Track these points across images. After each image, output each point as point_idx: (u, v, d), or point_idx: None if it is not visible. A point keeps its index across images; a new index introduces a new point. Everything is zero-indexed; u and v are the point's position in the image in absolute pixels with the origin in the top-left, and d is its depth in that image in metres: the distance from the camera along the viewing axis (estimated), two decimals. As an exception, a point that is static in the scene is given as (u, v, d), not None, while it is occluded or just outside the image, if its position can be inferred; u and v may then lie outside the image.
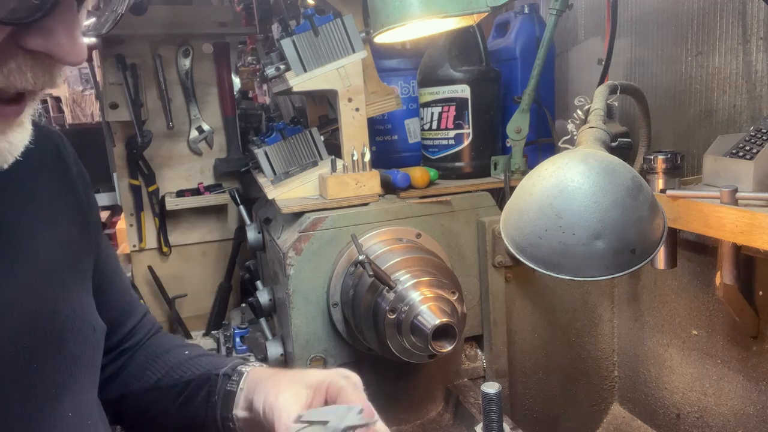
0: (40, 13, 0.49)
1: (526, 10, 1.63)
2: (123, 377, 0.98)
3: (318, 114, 1.94)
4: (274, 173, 1.49)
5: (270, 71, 1.42)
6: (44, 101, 7.06)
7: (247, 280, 2.08)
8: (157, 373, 0.96)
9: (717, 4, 1.22)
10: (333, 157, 1.45)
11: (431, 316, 1.11)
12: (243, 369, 0.88)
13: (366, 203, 1.36)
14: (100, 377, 0.97)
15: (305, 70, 1.39)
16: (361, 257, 1.14)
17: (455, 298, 1.18)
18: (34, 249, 0.76)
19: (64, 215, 0.83)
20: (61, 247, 0.80)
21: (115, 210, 3.15)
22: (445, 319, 1.10)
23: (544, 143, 1.63)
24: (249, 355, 0.82)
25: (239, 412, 0.86)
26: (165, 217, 2.41)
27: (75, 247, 0.83)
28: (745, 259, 1.10)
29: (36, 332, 0.72)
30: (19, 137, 0.59)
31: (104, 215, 3.51)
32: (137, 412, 0.99)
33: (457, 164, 1.52)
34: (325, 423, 0.66)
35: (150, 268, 2.42)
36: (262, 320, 1.71)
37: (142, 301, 1.19)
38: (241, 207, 1.94)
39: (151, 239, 2.43)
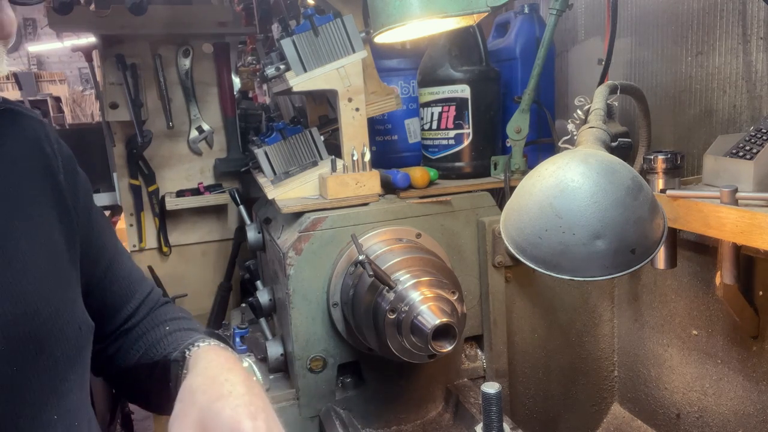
0: None
1: (526, 10, 1.63)
2: (118, 356, 0.98)
3: (318, 114, 1.94)
4: (274, 173, 1.49)
5: (270, 71, 1.42)
6: (44, 101, 7.07)
7: (247, 280, 2.08)
8: (140, 351, 0.94)
9: (717, 4, 1.22)
10: (333, 157, 1.45)
11: (431, 316, 1.11)
12: (186, 354, 0.84)
13: (366, 203, 1.36)
14: (102, 357, 0.96)
15: (305, 70, 1.39)
16: (361, 257, 1.14)
17: (455, 298, 1.18)
18: (12, 248, 0.73)
19: (44, 209, 0.80)
20: (40, 244, 0.77)
21: (115, 210, 3.14)
22: (445, 319, 1.10)
23: (544, 143, 1.63)
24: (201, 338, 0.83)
25: None
26: (165, 217, 2.41)
27: (56, 243, 0.80)
28: (745, 259, 1.10)
29: (15, 335, 0.70)
30: None
31: (104, 215, 3.50)
32: (132, 388, 1.00)
33: (457, 164, 1.52)
34: None
35: (150, 268, 2.42)
36: (262, 320, 1.71)
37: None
38: (241, 207, 1.93)
39: (151, 239, 2.43)
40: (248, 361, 0.90)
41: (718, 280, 1.12)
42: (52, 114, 7.03)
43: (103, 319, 0.94)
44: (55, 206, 0.82)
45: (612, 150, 0.97)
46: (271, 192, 1.46)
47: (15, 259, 0.73)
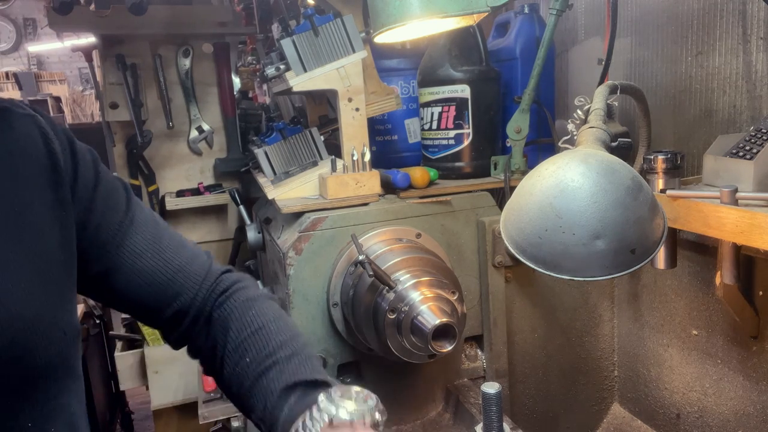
0: None
1: (526, 10, 1.63)
2: (208, 351, 0.93)
3: (318, 114, 1.94)
4: (274, 173, 1.49)
5: (270, 71, 1.42)
6: (44, 101, 7.07)
7: (247, 280, 2.08)
8: (233, 372, 0.89)
9: (717, 4, 1.22)
10: (333, 157, 1.45)
11: (431, 316, 1.11)
12: None
13: (366, 203, 1.36)
14: (185, 339, 0.94)
15: (305, 70, 1.39)
16: (361, 257, 1.14)
17: (455, 298, 1.18)
18: None
19: (38, 208, 0.77)
20: (28, 245, 0.75)
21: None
22: (445, 319, 1.10)
23: (544, 143, 1.63)
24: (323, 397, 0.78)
25: None
26: (165, 217, 2.40)
27: (47, 243, 0.77)
28: (745, 259, 1.10)
29: None
30: None
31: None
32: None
33: (457, 164, 1.52)
34: None
35: (150, 268, 2.41)
36: (262, 320, 1.71)
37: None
38: (241, 207, 1.93)
39: (151, 239, 2.42)
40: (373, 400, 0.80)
41: (718, 280, 1.12)
42: (52, 114, 7.03)
43: (144, 295, 0.90)
44: (52, 203, 0.80)
45: (612, 150, 0.97)
46: (271, 192, 1.46)
47: None
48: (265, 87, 2.75)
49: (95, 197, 0.87)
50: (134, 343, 2.30)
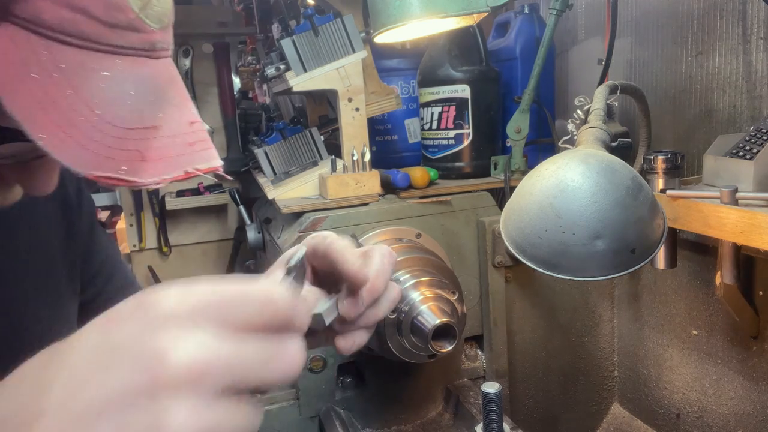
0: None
1: (526, 10, 1.63)
2: None
3: (318, 114, 1.94)
4: (274, 173, 1.49)
5: (270, 71, 1.42)
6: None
7: (247, 280, 2.07)
8: None
9: (717, 4, 1.22)
10: (333, 157, 1.45)
11: (431, 316, 1.11)
12: None
13: (366, 203, 1.36)
14: None
15: (305, 70, 1.39)
16: (361, 257, 1.14)
17: (455, 298, 1.18)
18: (7, 266, 0.72)
19: (45, 230, 0.79)
20: (34, 263, 0.76)
21: (115, 210, 3.15)
22: (445, 319, 1.10)
23: (544, 143, 1.63)
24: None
25: None
26: (165, 217, 2.40)
27: (52, 262, 0.80)
28: (745, 259, 1.10)
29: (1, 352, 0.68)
30: None
31: (104, 215, 3.51)
32: None
33: (457, 164, 1.52)
34: None
35: (150, 268, 2.42)
36: (262, 320, 1.71)
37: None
38: (241, 207, 1.94)
39: (151, 239, 2.43)
40: None
41: (718, 280, 1.12)
42: (52, 114, 7.03)
43: None
44: (61, 223, 0.82)
45: (612, 150, 0.97)
46: (271, 192, 1.46)
47: (8, 277, 0.72)
48: (265, 87, 2.75)
49: (95, 233, 0.91)
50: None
